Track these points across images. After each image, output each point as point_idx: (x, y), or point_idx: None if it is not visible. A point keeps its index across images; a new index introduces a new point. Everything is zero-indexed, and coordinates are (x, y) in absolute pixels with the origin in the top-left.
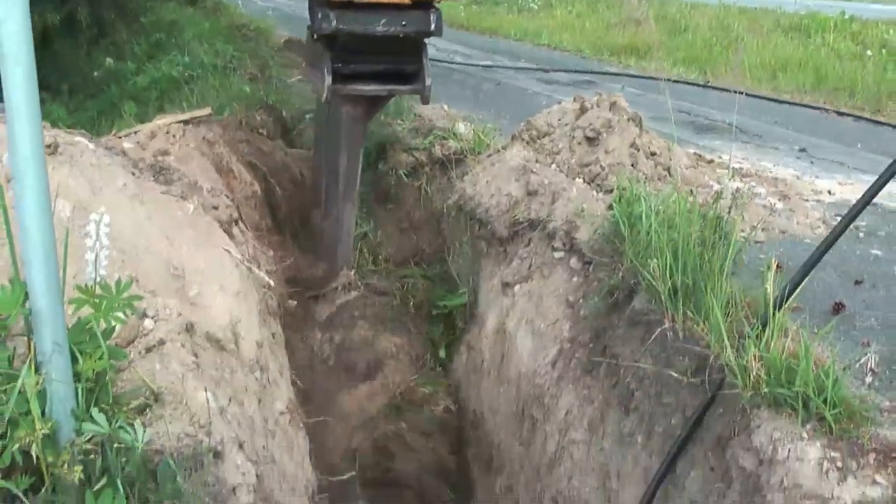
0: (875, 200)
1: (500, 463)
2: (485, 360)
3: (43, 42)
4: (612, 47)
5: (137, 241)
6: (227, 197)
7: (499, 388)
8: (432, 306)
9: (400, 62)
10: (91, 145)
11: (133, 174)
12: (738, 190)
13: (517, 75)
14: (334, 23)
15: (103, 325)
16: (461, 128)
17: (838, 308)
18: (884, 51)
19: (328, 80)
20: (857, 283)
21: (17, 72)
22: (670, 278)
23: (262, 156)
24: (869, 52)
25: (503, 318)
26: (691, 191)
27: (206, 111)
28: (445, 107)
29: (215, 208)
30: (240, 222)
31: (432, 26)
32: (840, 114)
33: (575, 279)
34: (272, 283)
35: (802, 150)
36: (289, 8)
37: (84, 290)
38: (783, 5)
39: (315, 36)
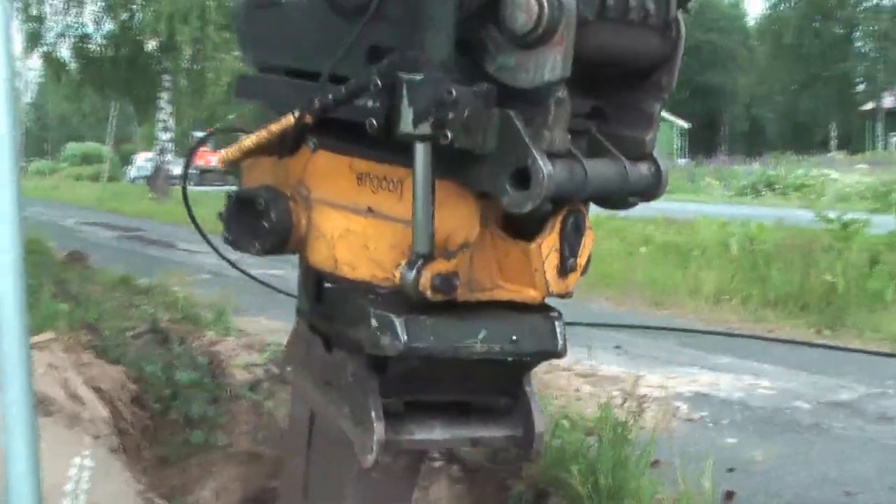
0: (702, 391)
1: None
2: None
3: None
4: None
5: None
6: (104, 425)
7: None
8: None
9: (485, 390)
10: None
11: None
12: (639, 397)
13: None
14: (404, 338)
15: None
16: None
17: (730, 495)
18: (650, 246)
19: (378, 430)
20: (730, 470)
21: None
22: (590, 478)
23: (103, 379)
24: (643, 249)
25: None
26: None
27: (50, 335)
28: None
29: (97, 437)
30: (117, 450)
31: (559, 345)
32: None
33: (458, 486)
34: None
35: (617, 346)
36: (42, 216)
37: None
38: None
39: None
